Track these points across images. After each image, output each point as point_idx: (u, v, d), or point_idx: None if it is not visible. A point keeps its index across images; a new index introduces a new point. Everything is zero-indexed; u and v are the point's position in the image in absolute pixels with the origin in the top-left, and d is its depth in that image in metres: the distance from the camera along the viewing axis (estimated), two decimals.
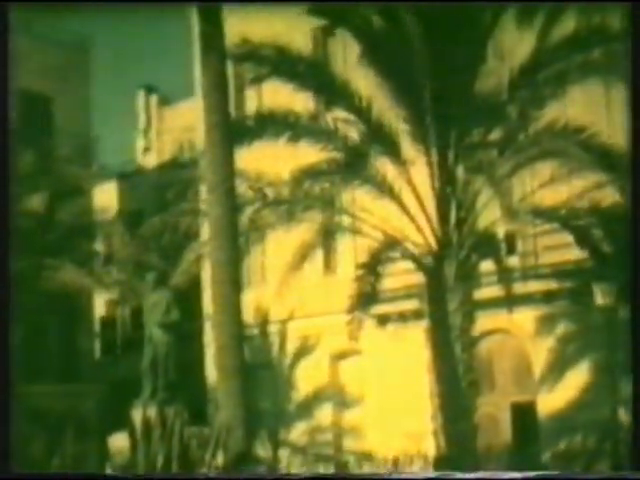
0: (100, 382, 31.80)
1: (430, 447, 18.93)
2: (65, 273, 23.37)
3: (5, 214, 5.14)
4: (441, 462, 17.42)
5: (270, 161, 20.62)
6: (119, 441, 12.92)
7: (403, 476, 11.53)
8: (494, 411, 22.97)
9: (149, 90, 37.49)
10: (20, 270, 22.85)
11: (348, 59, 22.02)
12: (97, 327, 34.07)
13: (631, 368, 10.43)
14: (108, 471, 11.96)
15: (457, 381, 17.39)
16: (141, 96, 37.69)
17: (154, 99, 37.39)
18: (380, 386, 24.75)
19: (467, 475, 8.98)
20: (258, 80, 20.03)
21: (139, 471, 11.63)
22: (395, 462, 20.63)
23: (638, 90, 10.57)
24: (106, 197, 32.98)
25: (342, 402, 26.19)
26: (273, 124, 18.87)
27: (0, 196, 5.27)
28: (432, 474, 11.59)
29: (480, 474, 11.48)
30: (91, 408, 30.30)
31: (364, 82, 18.31)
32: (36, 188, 23.95)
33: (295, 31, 22.11)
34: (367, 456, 22.78)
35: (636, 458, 10.12)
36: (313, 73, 18.65)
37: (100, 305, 33.59)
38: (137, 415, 13.89)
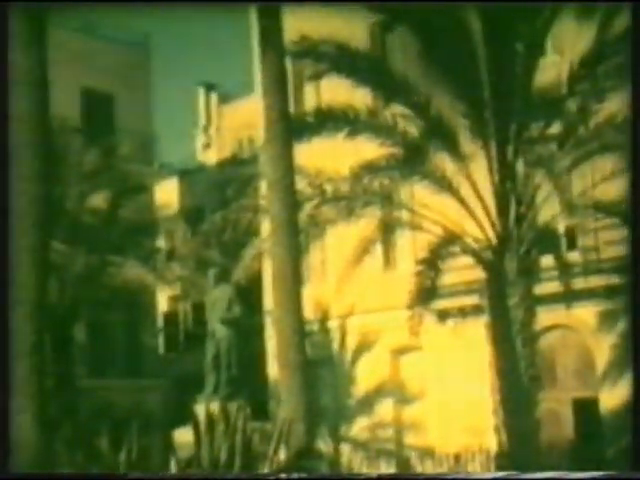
0: (164, 377, 32.14)
1: (492, 443, 18.88)
2: (128, 269, 23.64)
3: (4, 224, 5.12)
4: (503, 458, 17.37)
5: (329, 157, 20.70)
6: (183, 436, 13.07)
7: (470, 476, 11.46)
8: (556, 407, 22.83)
9: (209, 88, 37.72)
10: (85, 267, 23.23)
11: (407, 55, 21.99)
12: (160, 323, 34.44)
13: (632, 368, 10.35)
14: (172, 465, 12.09)
15: (518, 376, 17.31)
16: (201, 94, 37.94)
17: (214, 97, 37.61)
18: (441, 382, 24.72)
19: (533, 475, 8.82)
20: (317, 76, 20.11)
21: (203, 465, 11.75)
22: (456, 458, 20.60)
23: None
24: (167, 194, 33.29)
25: (403, 398, 26.20)
26: (332, 120, 18.92)
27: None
28: (499, 474, 11.49)
29: (548, 474, 11.41)
30: (155, 403, 30.63)
31: (423, 77, 18.29)
32: (99, 186, 24.27)
33: (354, 27, 22.13)
34: (428, 452, 22.77)
35: (636, 458, 10.02)
36: (372, 69, 18.67)
37: (163, 301, 33.93)
38: (200, 410, 14.06)
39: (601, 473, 11.03)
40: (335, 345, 27.52)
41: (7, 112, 5.04)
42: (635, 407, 10.60)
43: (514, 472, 11.67)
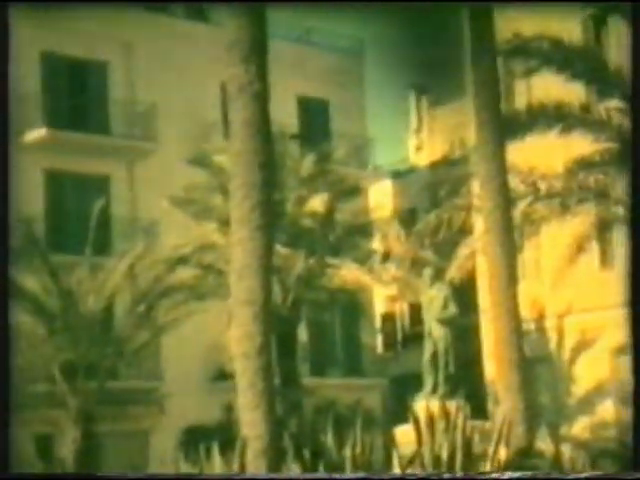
0: (382, 376, 32.59)
1: None
2: (346, 271, 24.13)
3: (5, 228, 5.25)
4: None
5: (542, 154, 20.49)
6: (404, 433, 13.29)
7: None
8: None
9: (420, 90, 37.95)
10: (305, 269, 23.91)
11: (621, 46, 21.48)
12: (378, 323, 34.93)
13: (632, 369, 9.84)
14: (395, 462, 12.32)
15: None
16: (412, 97, 38.20)
17: (425, 99, 37.81)
18: None
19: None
20: (529, 73, 19.98)
21: (425, 463, 11.91)
22: None
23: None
24: (381, 196, 33.74)
25: (624, 398, 25.55)
26: (544, 117, 18.75)
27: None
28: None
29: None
30: (375, 401, 31.09)
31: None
32: (316, 190, 24.87)
33: (566, 21, 21.81)
34: None
35: (636, 458, 9.47)
36: (586, 63, 18.40)
37: (380, 301, 34.40)
38: (420, 408, 14.23)
39: (601, 473, 10.68)
40: (552, 344, 27.16)
41: (7, 114, 5.18)
42: (635, 407, 10.16)
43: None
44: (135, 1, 29.01)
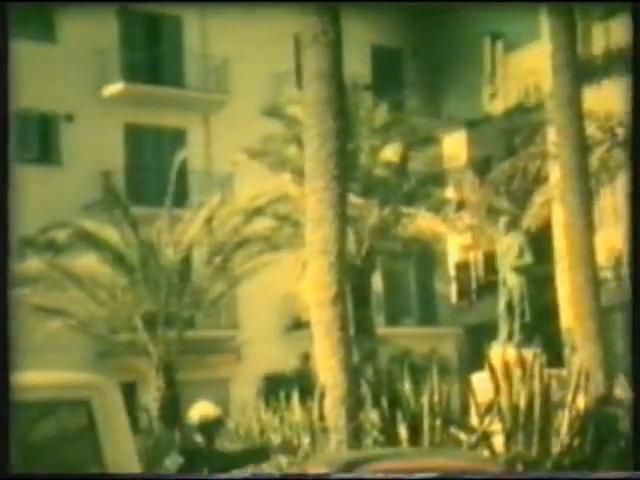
0: (457, 325, 32.60)
1: None
2: (420, 220, 24.15)
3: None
4: None
5: (619, 100, 20.14)
6: (480, 381, 13.33)
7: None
8: None
9: (494, 37, 37.45)
10: (379, 218, 23.97)
11: None
12: (452, 272, 34.89)
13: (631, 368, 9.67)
14: (472, 410, 12.37)
15: None
16: (487, 44, 37.69)
17: (499, 45, 37.29)
18: None
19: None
20: (606, 17, 19.64)
21: (503, 410, 11.93)
22: None
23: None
24: (455, 145, 33.49)
25: None
26: (622, 61, 18.44)
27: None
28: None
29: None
30: (450, 350, 31.14)
31: None
32: (390, 139, 24.83)
33: None
34: None
35: (636, 458, 9.29)
36: None
37: (454, 250, 34.31)
38: (495, 357, 14.25)
39: (601, 473, 10.58)
40: (629, 292, 26.81)
41: (7, 114, 5.15)
42: (635, 407, 10.00)
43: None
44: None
